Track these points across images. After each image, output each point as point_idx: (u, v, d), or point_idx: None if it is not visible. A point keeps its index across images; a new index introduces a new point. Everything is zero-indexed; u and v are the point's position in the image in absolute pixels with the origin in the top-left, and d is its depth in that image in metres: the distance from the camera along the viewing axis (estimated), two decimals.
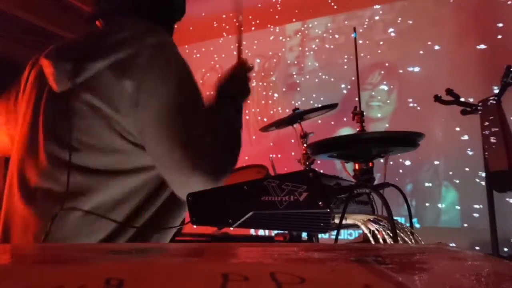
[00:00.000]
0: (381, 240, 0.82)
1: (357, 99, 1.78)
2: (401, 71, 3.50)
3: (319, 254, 0.41)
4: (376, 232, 0.84)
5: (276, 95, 4.07)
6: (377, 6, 3.68)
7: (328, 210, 0.67)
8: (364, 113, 1.65)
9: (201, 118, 0.91)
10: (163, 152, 0.87)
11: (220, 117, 0.96)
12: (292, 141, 3.16)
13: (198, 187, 0.82)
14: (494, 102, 2.31)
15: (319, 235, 1.91)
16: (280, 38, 4.13)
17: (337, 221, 0.75)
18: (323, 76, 3.84)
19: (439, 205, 3.22)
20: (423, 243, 0.89)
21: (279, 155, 3.62)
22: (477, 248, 2.89)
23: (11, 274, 0.29)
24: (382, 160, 1.44)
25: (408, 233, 0.86)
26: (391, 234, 0.80)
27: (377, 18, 3.67)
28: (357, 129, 1.64)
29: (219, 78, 1.08)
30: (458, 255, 0.41)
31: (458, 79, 2.98)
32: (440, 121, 3.21)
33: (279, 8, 4.09)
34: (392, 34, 3.58)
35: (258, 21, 4.19)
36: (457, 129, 3.14)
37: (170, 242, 1.00)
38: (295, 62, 4.03)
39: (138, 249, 0.49)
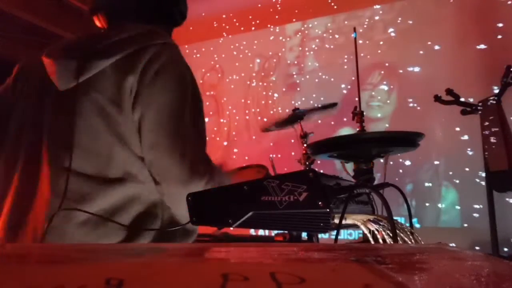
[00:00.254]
0: (381, 240, 0.82)
1: (357, 99, 1.78)
2: (401, 71, 3.50)
3: (319, 254, 0.41)
4: (376, 232, 0.84)
5: (276, 95, 4.07)
6: (377, 6, 3.68)
7: (328, 210, 0.67)
8: (364, 113, 1.65)
9: (200, 124, 0.93)
10: (161, 152, 0.87)
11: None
12: (292, 141, 3.16)
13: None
14: (494, 102, 2.31)
15: (319, 235, 1.91)
16: (280, 38, 4.13)
17: (337, 221, 0.75)
18: (323, 76, 3.84)
19: (439, 205, 3.22)
20: (423, 243, 0.89)
21: (279, 155, 3.62)
22: (477, 248, 2.89)
23: (11, 274, 0.29)
24: (382, 160, 1.44)
25: (408, 233, 0.86)
26: (391, 234, 0.80)
27: (377, 18, 3.67)
28: (357, 129, 1.63)
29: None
30: (458, 255, 0.41)
31: (458, 79, 2.98)
32: (440, 121, 3.21)
33: (279, 8, 4.09)
34: (392, 34, 3.58)
35: (258, 21, 4.19)
36: (457, 129, 3.14)
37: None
38: (295, 62, 4.03)
39: (138, 249, 0.49)
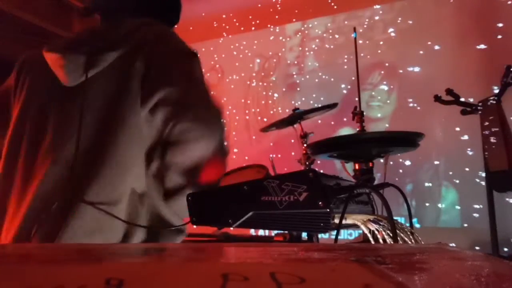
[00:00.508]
0: (381, 240, 0.82)
1: (357, 99, 1.78)
2: (401, 71, 3.50)
3: (319, 254, 0.41)
4: (376, 232, 0.84)
5: (276, 95, 4.07)
6: (377, 6, 3.68)
7: (328, 210, 0.67)
8: (364, 113, 1.65)
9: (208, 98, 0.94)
10: (191, 121, 0.87)
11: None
12: (292, 141, 3.16)
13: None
14: (494, 102, 2.31)
15: (319, 235, 1.91)
16: (280, 38, 4.13)
17: (337, 221, 0.75)
18: (323, 76, 3.84)
19: (439, 205, 3.22)
20: (423, 243, 0.89)
21: (279, 155, 3.62)
22: (477, 248, 2.89)
23: (11, 274, 0.29)
24: (382, 160, 1.44)
25: (408, 233, 0.86)
26: (391, 234, 0.80)
27: (377, 18, 3.67)
28: (357, 129, 1.64)
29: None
30: (458, 255, 0.41)
31: (458, 79, 2.98)
32: (440, 121, 3.21)
33: (279, 8, 4.09)
34: (392, 34, 3.58)
35: (258, 21, 4.19)
36: (457, 129, 3.14)
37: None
38: (295, 62, 4.03)
39: (138, 249, 0.49)
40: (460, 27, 3.30)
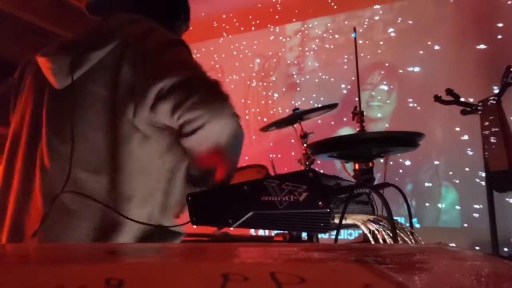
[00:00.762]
0: (381, 240, 0.82)
1: (357, 99, 1.78)
2: (401, 71, 3.50)
3: (319, 254, 0.41)
4: (376, 232, 0.84)
5: (276, 95, 4.07)
6: (377, 6, 3.68)
7: (328, 210, 0.67)
8: (364, 113, 1.65)
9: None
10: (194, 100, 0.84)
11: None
12: (292, 141, 3.16)
13: None
14: (494, 102, 2.31)
15: (319, 235, 1.91)
16: (280, 38, 4.13)
17: (337, 221, 0.75)
18: (323, 76, 3.84)
19: (439, 205, 3.22)
20: (423, 243, 0.89)
21: (279, 155, 3.62)
22: (477, 248, 2.89)
23: (11, 274, 0.29)
24: (382, 160, 1.44)
25: (408, 233, 0.86)
26: (391, 234, 0.80)
27: (377, 18, 3.67)
28: (357, 129, 1.64)
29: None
30: (458, 255, 0.41)
31: (458, 79, 2.98)
32: (440, 121, 3.21)
33: (279, 8, 4.09)
34: (392, 34, 3.58)
35: (258, 21, 4.19)
36: (457, 129, 3.14)
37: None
38: (295, 62, 4.03)
39: (138, 249, 0.49)
40: (460, 27, 3.29)
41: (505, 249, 2.67)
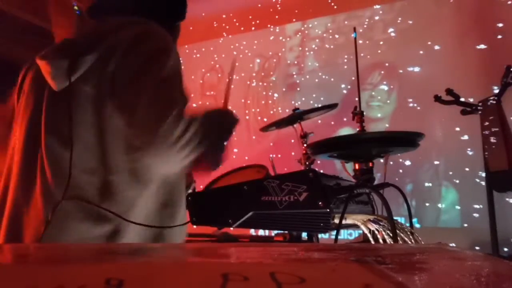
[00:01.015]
0: (381, 240, 0.82)
1: (357, 99, 1.78)
2: (401, 71, 3.50)
3: (319, 254, 0.41)
4: (376, 232, 0.84)
5: (276, 95, 4.07)
6: (377, 6, 3.68)
7: (328, 210, 0.67)
8: (364, 113, 1.65)
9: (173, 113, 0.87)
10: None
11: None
12: (292, 141, 3.16)
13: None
14: (494, 102, 2.31)
15: (319, 235, 1.91)
16: (280, 38, 4.13)
17: (337, 221, 0.75)
18: (323, 76, 3.84)
19: (439, 205, 3.22)
20: (423, 243, 0.89)
21: (279, 155, 3.62)
22: (477, 248, 2.89)
23: (11, 274, 0.29)
24: (382, 160, 1.44)
25: (408, 233, 0.86)
26: (391, 234, 0.80)
27: (377, 18, 3.67)
28: (357, 129, 1.63)
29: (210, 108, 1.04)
30: (458, 255, 0.41)
31: (458, 79, 2.98)
32: (440, 121, 3.21)
33: (279, 8, 4.09)
34: (392, 34, 3.58)
35: (258, 21, 4.19)
36: (457, 129, 3.14)
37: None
38: (295, 62, 4.03)
39: (138, 249, 0.49)
40: (460, 27, 3.29)
41: (505, 249, 2.67)
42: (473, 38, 3.20)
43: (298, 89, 3.97)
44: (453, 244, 2.44)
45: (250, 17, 4.21)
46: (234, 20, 4.28)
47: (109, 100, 0.88)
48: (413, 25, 3.49)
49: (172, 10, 1.12)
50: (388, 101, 3.53)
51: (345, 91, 3.67)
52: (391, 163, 1.57)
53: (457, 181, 3.17)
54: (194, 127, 0.87)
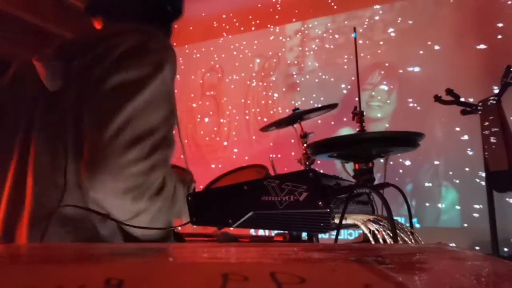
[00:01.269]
0: (381, 240, 0.82)
1: (357, 99, 1.78)
2: (401, 71, 3.50)
3: (319, 254, 0.41)
4: (376, 232, 0.84)
5: (276, 95, 4.07)
6: (377, 6, 3.68)
7: (328, 210, 0.67)
8: (364, 113, 1.65)
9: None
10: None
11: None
12: (292, 141, 3.16)
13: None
14: (494, 102, 2.31)
15: (319, 235, 1.91)
16: (280, 38, 4.13)
17: (337, 221, 0.75)
18: (323, 76, 3.84)
19: (439, 205, 3.22)
20: (423, 243, 0.89)
21: (279, 155, 3.62)
22: (477, 248, 2.89)
23: (11, 274, 0.29)
24: (382, 160, 1.44)
25: (408, 233, 0.86)
26: (391, 234, 0.80)
27: (377, 18, 3.67)
28: (357, 129, 1.63)
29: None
30: (458, 255, 0.41)
31: (458, 79, 2.98)
32: (440, 121, 3.21)
33: (279, 8, 4.09)
34: (392, 34, 3.58)
35: (258, 21, 4.19)
36: (457, 129, 3.14)
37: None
38: (295, 62, 4.03)
39: (138, 249, 0.49)
40: (460, 27, 3.30)
41: (505, 249, 2.67)
42: (473, 38, 3.20)
43: (298, 89, 3.97)
44: (453, 244, 2.44)
45: (250, 17, 4.21)
46: (234, 20, 4.28)
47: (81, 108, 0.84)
48: (413, 25, 3.49)
49: (174, 11, 1.11)
50: (388, 101, 3.53)
51: (345, 91, 3.67)
52: (391, 163, 1.57)
53: (457, 181, 3.17)
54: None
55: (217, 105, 4.30)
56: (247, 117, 4.12)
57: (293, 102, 3.83)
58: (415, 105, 3.36)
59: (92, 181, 0.77)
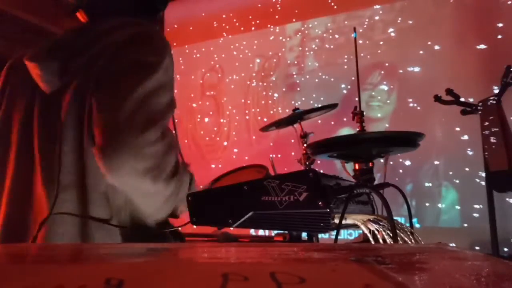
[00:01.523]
0: (381, 240, 0.82)
1: (357, 99, 1.78)
2: (401, 71, 3.50)
3: (319, 254, 0.41)
4: (376, 232, 0.84)
5: (276, 95, 4.07)
6: (377, 6, 3.68)
7: (328, 210, 0.67)
8: (364, 113, 1.65)
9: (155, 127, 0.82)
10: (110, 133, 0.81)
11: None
12: (292, 141, 3.16)
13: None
14: (494, 102, 2.31)
15: (319, 235, 1.91)
16: (280, 38, 4.13)
17: (337, 221, 0.75)
18: (323, 76, 3.84)
19: (439, 205, 3.22)
20: (423, 243, 0.89)
21: (279, 155, 3.62)
22: (477, 248, 2.89)
23: (11, 274, 0.29)
24: (382, 160, 1.44)
25: (408, 233, 0.86)
26: (391, 234, 0.80)
27: (377, 18, 3.67)
28: (357, 129, 1.63)
29: None
30: (458, 255, 0.41)
31: (458, 79, 2.98)
32: (440, 121, 3.21)
33: (279, 8, 4.09)
34: (392, 34, 3.58)
35: (258, 21, 4.19)
36: (457, 129, 3.14)
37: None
38: (295, 62, 4.03)
39: (138, 249, 0.49)
40: (460, 27, 3.29)
41: (505, 249, 2.67)
42: (473, 38, 3.20)
43: (298, 89, 3.97)
44: (453, 244, 2.44)
45: (250, 17, 4.21)
46: (234, 20, 4.28)
47: (91, 100, 0.84)
48: (413, 25, 3.49)
49: (152, 3, 1.09)
50: (388, 101, 3.53)
51: (345, 91, 3.67)
52: (391, 163, 1.57)
53: (457, 181, 3.17)
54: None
55: (217, 105, 4.29)
56: (247, 117, 4.11)
57: (293, 102, 3.83)
58: (415, 105, 3.36)
59: (111, 164, 0.76)
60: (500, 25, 3.13)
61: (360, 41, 3.53)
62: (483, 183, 2.60)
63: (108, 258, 0.39)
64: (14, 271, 0.30)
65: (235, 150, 3.99)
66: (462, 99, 2.46)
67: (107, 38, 0.89)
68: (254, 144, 3.98)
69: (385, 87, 3.55)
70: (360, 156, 1.27)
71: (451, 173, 3.20)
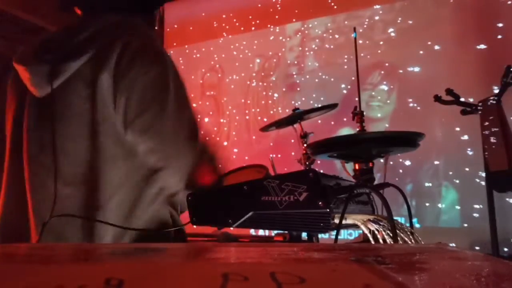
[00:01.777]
0: (381, 240, 0.82)
1: (357, 99, 1.78)
2: (401, 71, 3.50)
3: (319, 254, 0.41)
4: (376, 232, 0.84)
5: (276, 95, 4.07)
6: (377, 6, 3.67)
7: (328, 210, 0.67)
8: (364, 113, 1.65)
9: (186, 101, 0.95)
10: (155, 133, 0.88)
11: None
12: (292, 141, 3.15)
13: None
14: (494, 102, 2.31)
15: (319, 235, 1.91)
16: (280, 38, 4.13)
17: (337, 221, 0.75)
18: (323, 76, 3.84)
19: (439, 205, 3.22)
20: (423, 243, 0.89)
21: (279, 155, 3.62)
22: (477, 248, 2.89)
23: (11, 274, 0.29)
24: (382, 160, 1.44)
25: (408, 233, 0.86)
26: (391, 234, 0.80)
27: (377, 18, 3.67)
28: (357, 129, 1.63)
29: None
30: (458, 255, 0.41)
31: (458, 79, 2.98)
32: (440, 121, 3.21)
33: (279, 8, 4.09)
34: (392, 34, 3.58)
35: (258, 21, 4.19)
36: (457, 129, 3.14)
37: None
38: (295, 62, 4.03)
39: (138, 249, 0.49)
40: (460, 27, 3.29)
41: (505, 249, 2.67)
42: (473, 38, 3.20)
43: (298, 89, 3.97)
44: (453, 244, 2.44)
45: (250, 17, 4.21)
46: (234, 20, 4.28)
47: (120, 122, 0.85)
48: (413, 25, 3.49)
49: (147, 2, 1.08)
50: (388, 101, 3.53)
51: (345, 91, 3.66)
52: (391, 163, 1.57)
53: (457, 181, 3.16)
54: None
55: (217, 105, 4.29)
56: (247, 117, 4.11)
57: (293, 102, 3.83)
58: (415, 105, 3.36)
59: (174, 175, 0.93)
60: (500, 25, 3.13)
61: (360, 41, 3.52)
62: (483, 183, 2.60)
63: (108, 258, 0.39)
64: (14, 271, 0.30)
65: (235, 150, 3.99)
66: (462, 99, 2.46)
67: (107, 38, 0.87)
68: (254, 144, 3.97)
69: (385, 87, 3.55)
70: (360, 156, 1.27)
71: (451, 173, 3.20)
